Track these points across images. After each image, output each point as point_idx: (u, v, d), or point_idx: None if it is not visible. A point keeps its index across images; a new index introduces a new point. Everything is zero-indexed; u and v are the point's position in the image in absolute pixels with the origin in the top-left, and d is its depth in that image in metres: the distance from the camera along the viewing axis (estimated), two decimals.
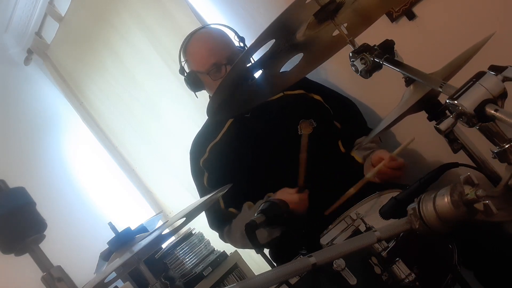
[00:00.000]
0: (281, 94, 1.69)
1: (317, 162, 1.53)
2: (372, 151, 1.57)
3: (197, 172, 1.78)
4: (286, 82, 1.16)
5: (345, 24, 1.02)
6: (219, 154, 1.73)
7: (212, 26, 1.80)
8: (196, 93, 1.77)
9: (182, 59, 1.74)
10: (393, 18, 1.61)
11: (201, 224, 1.96)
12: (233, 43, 1.74)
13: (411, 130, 1.45)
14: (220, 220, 1.72)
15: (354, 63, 0.95)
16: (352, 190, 1.37)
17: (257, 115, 1.70)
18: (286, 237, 1.46)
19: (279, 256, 1.66)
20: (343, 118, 1.74)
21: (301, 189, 1.48)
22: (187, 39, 1.74)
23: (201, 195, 1.80)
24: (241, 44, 1.74)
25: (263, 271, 0.72)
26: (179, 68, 1.74)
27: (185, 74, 1.74)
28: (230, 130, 1.74)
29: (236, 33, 1.76)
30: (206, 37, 1.74)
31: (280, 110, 1.69)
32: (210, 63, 1.67)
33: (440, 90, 0.79)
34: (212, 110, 1.10)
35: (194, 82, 1.72)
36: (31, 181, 2.60)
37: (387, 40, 0.93)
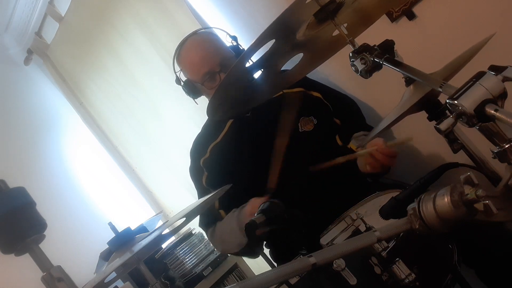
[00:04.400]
0: (281, 92, 1.69)
1: (317, 158, 1.53)
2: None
3: (197, 172, 1.78)
4: (286, 82, 1.16)
5: (345, 24, 1.02)
6: (220, 154, 1.73)
7: (201, 30, 1.77)
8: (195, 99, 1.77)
9: (177, 69, 1.73)
10: (393, 18, 1.61)
11: None
12: (224, 45, 1.72)
13: (411, 130, 1.45)
14: (209, 220, 1.73)
15: (354, 63, 0.94)
16: (340, 159, 1.34)
17: (258, 114, 1.70)
18: (286, 237, 1.45)
19: (279, 256, 1.66)
20: (343, 114, 1.74)
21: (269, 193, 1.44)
22: (178, 49, 1.72)
23: (200, 195, 1.80)
24: (234, 43, 1.72)
25: (263, 271, 0.72)
26: (175, 78, 1.74)
27: (182, 83, 1.74)
28: (231, 130, 1.74)
29: (227, 33, 1.74)
30: (195, 45, 1.70)
31: (280, 108, 1.69)
32: (202, 72, 1.65)
33: (440, 90, 0.79)
34: (212, 110, 1.10)
35: (192, 90, 1.72)
36: (31, 181, 2.61)
37: (387, 40, 0.93)
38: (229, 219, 1.62)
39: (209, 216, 1.71)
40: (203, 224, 1.76)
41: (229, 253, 1.90)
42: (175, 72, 1.73)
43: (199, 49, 1.68)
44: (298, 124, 1.66)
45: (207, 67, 1.64)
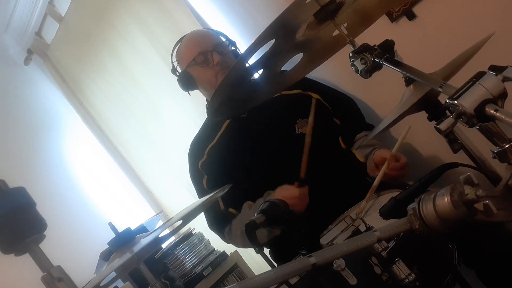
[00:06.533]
0: (278, 94, 1.69)
1: (318, 159, 1.53)
2: (373, 149, 1.56)
3: (196, 175, 1.78)
4: (286, 82, 1.16)
5: (345, 24, 1.02)
6: (217, 156, 1.73)
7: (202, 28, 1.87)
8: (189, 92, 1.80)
9: (174, 60, 1.80)
10: (393, 18, 1.61)
11: (201, 224, 1.96)
12: (221, 38, 1.78)
13: (411, 130, 1.44)
14: (220, 221, 1.72)
15: (354, 63, 0.95)
16: (364, 204, 1.34)
17: (254, 115, 1.69)
18: (286, 237, 1.45)
19: (279, 256, 1.66)
20: (342, 114, 1.74)
21: (301, 183, 1.46)
22: (178, 42, 1.81)
23: (200, 198, 1.79)
24: (233, 48, 1.76)
25: (263, 271, 0.72)
26: (171, 68, 1.79)
27: (178, 74, 1.77)
28: (227, 131, 1.74)
29: (227, 37, 1.78)
30: (193, 34, 1.81)
31: (277, 109, 1.69)
32: (196, 51, 1.71)
33: (440, 90, 0.79)
34: (212, 110, 1.10)
35: (187, 80, 1.74)
36: (31, 181, 2.60)
37: (387, 40, 0.93)
38: (250, 211, 1.61)
39: (219, 217, 1.71)
40: (215, 227, 1.75)
41: (250, 247, 1.89)
42: (172, 63, 1.79)
43: (196, 35, 1.80)
44: (294, 126, 1.66)
45: (200, 47, 1.71)
